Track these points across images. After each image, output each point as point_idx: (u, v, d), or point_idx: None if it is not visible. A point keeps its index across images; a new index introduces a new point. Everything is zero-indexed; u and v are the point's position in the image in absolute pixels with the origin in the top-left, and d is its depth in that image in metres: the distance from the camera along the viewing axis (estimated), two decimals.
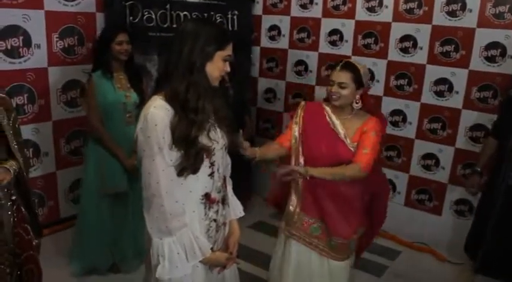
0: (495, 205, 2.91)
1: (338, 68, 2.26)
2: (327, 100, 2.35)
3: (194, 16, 3.84)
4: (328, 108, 2.33)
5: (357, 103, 2.27)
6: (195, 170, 1.60)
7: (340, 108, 2.29)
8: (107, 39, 2.90)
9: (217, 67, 1.62)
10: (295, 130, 2.37)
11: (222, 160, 1.73)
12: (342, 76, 2.23)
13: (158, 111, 1.53)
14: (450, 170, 3.67)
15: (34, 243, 2.14)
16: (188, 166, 1.58)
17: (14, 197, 2.06)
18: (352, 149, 2.25)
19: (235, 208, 1.93)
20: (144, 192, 1.58)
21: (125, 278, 3.07)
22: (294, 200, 2.43)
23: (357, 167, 2.19)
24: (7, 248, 2.03)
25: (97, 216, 3.00)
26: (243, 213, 1.96)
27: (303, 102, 2.43)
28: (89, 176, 3.01)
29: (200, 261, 1.66)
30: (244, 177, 4.19)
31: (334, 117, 2.30)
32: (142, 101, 2.87)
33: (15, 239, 2.06)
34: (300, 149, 2.35)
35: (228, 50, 1.64)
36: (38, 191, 3.52)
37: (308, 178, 2.14)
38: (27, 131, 3.31)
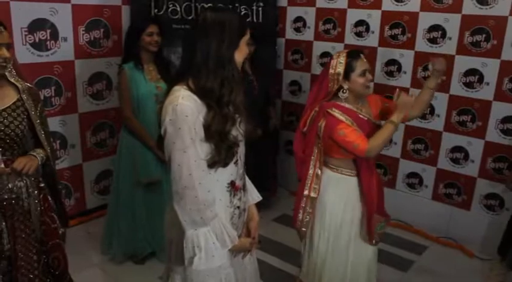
0: None
1: (362, 56, 2.29)
2: (325, 97, 2.35)
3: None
4: (346, 105, 2.31)
5: None
6: (226, 164, 1.60)
7: (358, 98, 2.34)
8: (137, 31, 2.92)
9: (242, 53, 1.62)
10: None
11: (243, 148, 1.74)
12: (367, 63, 2.30)
13: (187, 103, 1.51)
14: (480, 164, 3.57)
15: (60, 232, 2.18)
16: (220, 160, 1.57)
17: (41, 185, 2.10)
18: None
19: (252, 193, 1.92)
20: (174, 185, 1.55)
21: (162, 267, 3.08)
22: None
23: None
24: (34, 236, 2.07)
25: (132, 205, 3.04)
26: (260, 198, 1.94)
27: (329, 110, 2.29)
28: (122, 166, 3.05)
29: (228, 249, 1.65)
30: (270, 171, 4.19)
31: (355, 108, 2.33)
32: None
33: (42, 227, 2.09)
34: None
35: (248, 33, 1.63)
36: (65, 182, 3.58)
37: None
38: (54, 123, 3.37)
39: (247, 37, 1.62)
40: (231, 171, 1.67)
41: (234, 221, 1.73)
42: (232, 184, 1.68)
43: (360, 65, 2.26)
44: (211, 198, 1.58)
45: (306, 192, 2.41)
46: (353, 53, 2.30)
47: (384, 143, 2.21)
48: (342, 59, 2.28)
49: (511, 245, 3.05)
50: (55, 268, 2.15)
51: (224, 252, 1.61)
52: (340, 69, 2.27)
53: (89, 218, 3.71)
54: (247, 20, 4.10)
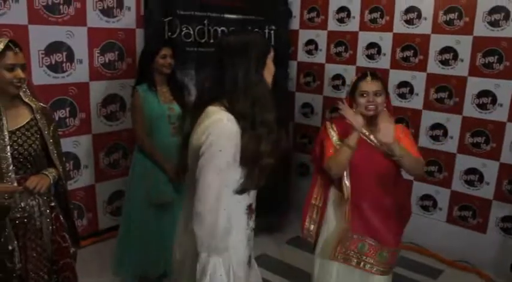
0: None
1: (368, 78, 2.28)
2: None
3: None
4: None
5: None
6: (257, 187, 1.60)
7: (370, 119, 2.29)
8: (151, 53, 2.97)
9: (270, 70, 1.63)
10: (336, 138, 2.35)
11: None
12: (375, 85, 2.26)
13: (231, 125, 1.49)
14: (495, 186, 3.52)
15: (71, 251, 2.18)
16: (251, 185, 1.56)
17: (52, 204, 2.11)
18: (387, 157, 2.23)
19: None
20: (198, 206, 1.50)
21: None
22: (338, 223, 2.40)
23: (422, 161, 2.31)
24: (45, 255, 2.07)
25: (144, 226, 3.03)
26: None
27: (327, 123, 2.41)
28: (135, 187, 3.06)
29: None
30: (282, 193, 4.17)
31: (364, 130, 2.28)
32: (185, 113, 2.95)
33: (53, 247, 2.10)
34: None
35: (272, 50, 1.64)
36: (78, 202, 3.60)
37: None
38: (68, 144, 3.41)
39: (272, 54, 1.63)
40: (252, 194, 1.67)
41: (250, 244, 1.73)
42: (249, 207, 1.67)
43: (362, 85, 2.27)
44: (228, 228, 1.55)
45: (312, 201, 2.47)
46: (362, 73, 2.34)
47: (340, 164, 2.22)
48: (354, 78, 2.36)
49: None
50: None
51: None
52: (350, 88, 2.35)
53: (101, 239, 3.71)
54: None
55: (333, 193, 2.45)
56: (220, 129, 1.49)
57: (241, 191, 1.55)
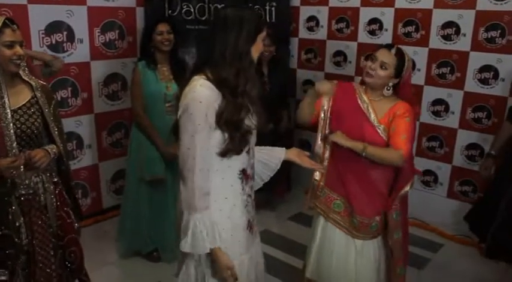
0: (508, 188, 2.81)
1: (387, 48, 2.21)
2: (362, 83, 2.31)
3: None
4: (360, 89, 2.30)
5: (387, 90, 2.23)
6: (239, 152, 1.66)
7: (371, 89, 2.25)
8: (148, 30, 3.00)
9: (258, 48, 1.69)
10: (325, 104, 2.33)
11: (254, 138, 1.79)
12: (387, 56, 2.18)
13: (204, 89, 1.58)
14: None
15: (75, 226, 2.21)
16: (233, 148, 1.63)
17: (55, 179, 2.14)
18: (378, 130, 2.20)
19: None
20: (181, 166, 1.63)
21: (168, 267, 3.06)
22: (317, 173, 2.40)
23: (399, 154, 2.15)
24: (51, 231, 2.11)
25: (137, 202, 3.10)
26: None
27: (335, 81, 2.33)
28: (131, 163, 3.12)
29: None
30: (284, 169, 4.18)
31: (365, 97, 2.26)
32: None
33: (58, 222, 2.13)
34: (327, 125, 2.33)
35: (264, 30, 1.69)
36: (82, 182, 3.64)
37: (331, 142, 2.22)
38: (70, 124, 3.43)
39: (263, 34, 1.68)
40: (243, 160, 1.72)
41: (249, 209, 1.79)
42: (243, 172, 1.74)
43: (377, 52, 2.21)
44: (206, 188, 1.63)
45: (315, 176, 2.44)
46: (388, 44, 2.28)
47: (301, 107, 2.31)
48: None
49: (486, 223, 3.00)
50: (72, 262, 2.19)
51: (207, 245, 1.64)
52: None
53: (105, 217, 3.76)
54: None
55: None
56: (192, 94, 1.58)
57: (223, 153, 1.63)
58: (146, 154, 3.01)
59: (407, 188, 2.31)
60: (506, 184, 2.85)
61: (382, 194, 2.31)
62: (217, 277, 1.72)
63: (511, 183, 2.82)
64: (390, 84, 2.22)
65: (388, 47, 2.23)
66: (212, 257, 1.69)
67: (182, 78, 2.98)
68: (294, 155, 1.98)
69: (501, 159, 3.10)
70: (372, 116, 2.22)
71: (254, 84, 1.66)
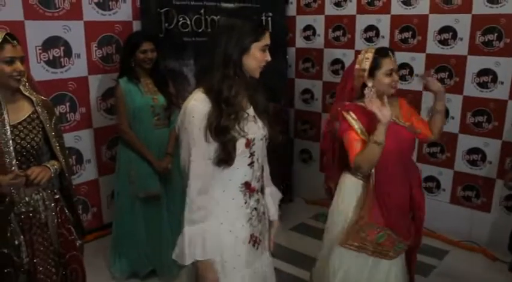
0: None
1: (391, 55, 2.16)
2: (350, 94, 2.25)
3: None
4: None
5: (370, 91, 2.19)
6: (229, 162, 1.62)
7: (379, 97, 2.13)
8: (131, 47, 2.94)
9: (254, 58, 1.64)
10: (360, 127, 2.14)
11: (261, 151, 1.75)
12: (395, 62, 2.18)
13: (197, 104, 1.59)
14: (498, 165, 3.52)
15: (77, 244, 2.18)
16: (224, 157, 1.61)
17: (56, 196, 2.11)
18: (410, 130, 2.23)
19: (269, 210, 1.92)
20: (184, 179, 1.64)
21: None
22: (358, 212, 2.24)
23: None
24: (52, 249, 2.08)
25: (131, 221, 3.03)
26: (274, 218, 1.95)
27: (343, 112, 2.18)
28: (121, 180, 3.06)
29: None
30: (286, 179, 4.17)
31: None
32: (170, 104, 2.97)
33: (59, 240, 2.10)
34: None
35: (264, 40, 1.64)
36: (82, 197, 3.61)
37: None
38: (69, 139, 3.41)
39: (261, 44, 1.63)
40: (245, 172, 1.69)
41: (254, 223, 1.75)
42: (246, 185, 1.71)
43: (387, 63, 2.14)
44: (201, 201, 1.61)
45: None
46: (381, 50, 2.19)
47: (370, 162, 2.05)
48: (369, 55, 2.17)
49: None
50: (73, 280, 2.16)
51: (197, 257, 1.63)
52: (366, 65, 2.15)
53: (106, 233, 3.71)
54: None
55: (348, 179, 2.32)
56: (188, 108, 1.60)
57: (217, 163, 1.62)
58: (137, 170, 2.97)
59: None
60: None
61: (408, 212, 2.34)
62: None
63: None
64: (370, 84, 2.16)
65: (387, 54, 2.18)
66: (198, 271, 1.66)
67: (166, 90, 3.02)
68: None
69: None
70: (398, 120, 2.22)
71: (241, 91, 1.63)
